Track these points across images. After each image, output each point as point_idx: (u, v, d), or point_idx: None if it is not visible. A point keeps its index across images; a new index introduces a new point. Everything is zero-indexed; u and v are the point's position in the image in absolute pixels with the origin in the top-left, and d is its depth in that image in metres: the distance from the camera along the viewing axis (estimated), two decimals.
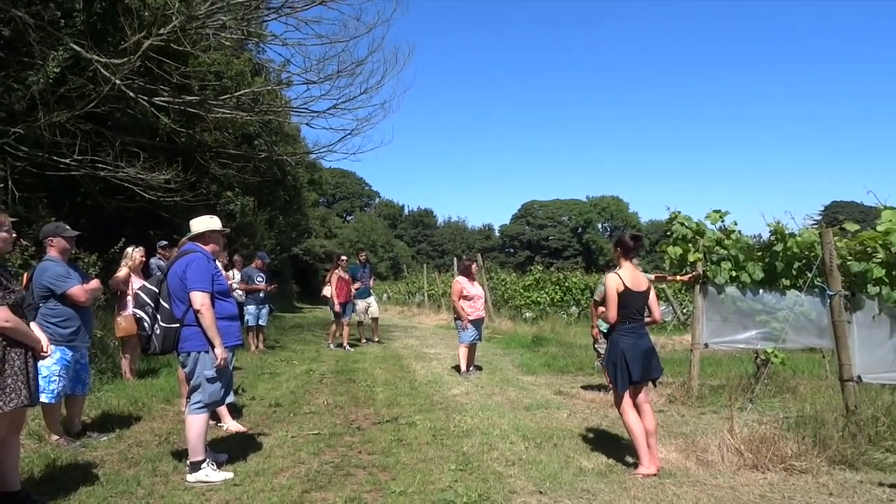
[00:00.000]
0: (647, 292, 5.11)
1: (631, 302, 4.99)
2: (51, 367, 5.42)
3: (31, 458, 4.93)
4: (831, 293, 5.80)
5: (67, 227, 5.71)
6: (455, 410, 7.11)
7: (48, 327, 5.40)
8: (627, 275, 5.01)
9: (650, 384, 5.30)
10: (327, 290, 13.17)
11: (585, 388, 8.61)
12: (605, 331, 5.43)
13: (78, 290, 5.44)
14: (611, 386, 8.18)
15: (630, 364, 4.91)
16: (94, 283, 5.91)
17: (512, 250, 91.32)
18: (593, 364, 9.35)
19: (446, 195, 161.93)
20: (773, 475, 4.82)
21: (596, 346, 8.47)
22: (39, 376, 5.33)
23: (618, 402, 5.06)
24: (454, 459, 5.20)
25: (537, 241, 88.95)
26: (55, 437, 5.47)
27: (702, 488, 4.58)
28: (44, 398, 5.41)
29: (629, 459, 5.21)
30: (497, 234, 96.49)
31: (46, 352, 4.14)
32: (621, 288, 4.96)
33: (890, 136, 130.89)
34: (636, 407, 5.06)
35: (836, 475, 4.85)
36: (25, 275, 5.76)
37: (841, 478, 4.80)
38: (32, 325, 4.10)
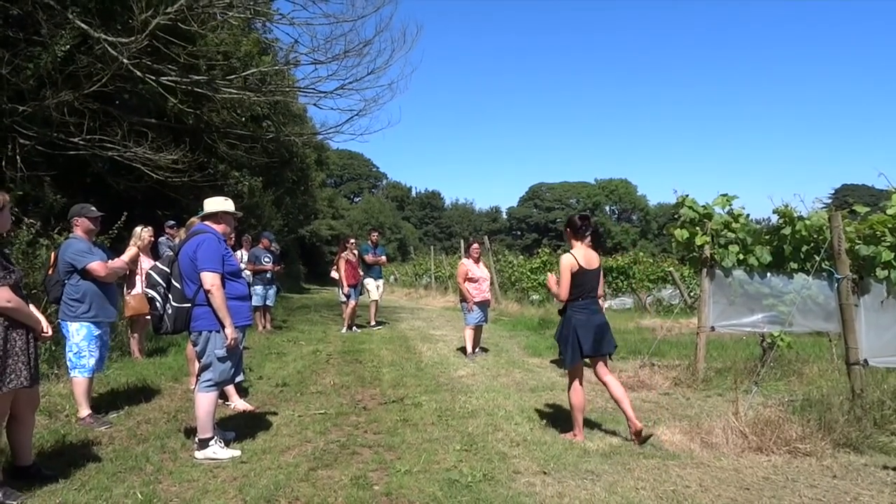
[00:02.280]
0: (598, 270, 5.40)
1: (585, 280, 5.23)
2: (79, 342, 5.50)
3: (42, 434, 4.99)
4: (839, 277, 5.78)
5: (93, 208, 5.81)
6: (460, 391, 7.14)
7: (71, 304, 5.49)
8: (581, 254, 5.24)
9: (607, 358, 5.48)
10: (335, 273, 13.18)
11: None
12: (560, 309, 5.53)
13: (98, 266, 5.51)
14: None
15: (581, 339, 5.15)
16: (118, 262, 5.98)
17: (519, 233, 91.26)
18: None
19: (454, 177, 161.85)
20: (777, 457, 4.83)
21: None
22: (70, 352, 5.45)
23: (571, 375, 5.38)
24: (459, 440, 5.24)
25: (545, 224, 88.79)
26: (85, 412, 5.52)
27: (706, 470, 4.60)
28: (76, 374, 5.52)
29: (632, 442, 5.23)
30: (504, 216, 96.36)
31: (47, 332, 4.17)
32: (576, 267, 5.19)
33: None
34: (602, 381, 5.40)
35: (841, 458, 4.86)
36: (53, 253, 5.83)
37: (845, 460, 4.82)
38: (31, 306, 4.13)
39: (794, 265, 7.17)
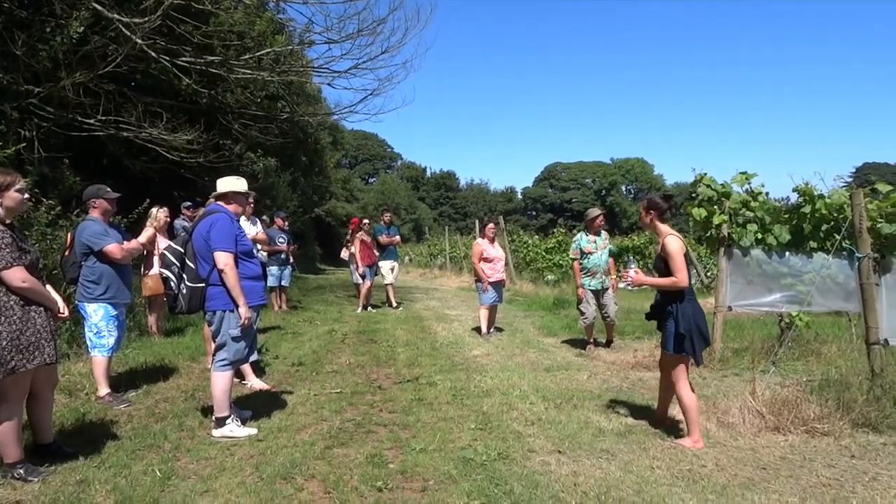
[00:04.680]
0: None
1: (688, 264, 4.70)
2: (98, 323, 5.57)
3: (63, 412, 5.07)
4: (860, 255, 5.69)
5: (108, 189, 5.83)
6: (475, 371, 7.15)
7: (88, 286, 5.55)
8: (679, 235, 4.72)
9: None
10: (345, 253, 13.17)
11: (597, 344, 8.59)
12: (661, 302, 4.86)
13: (114, 248, 5.55)
14: (591, 341, 8.58)
15: (703, 330, 4.66)
16: (133, 243, 6.01)
17: (534, 213, 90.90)
18: (578, 324, 9.29)
19: (469, 157, 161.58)
20: (794, 437, 4.79)
21: (581, 306, 8.60)
22: (89, 332, 5.53)
23: (681, 373, 4.72)
24: (474, 419, 5.25)
25: (560, 204, 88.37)
26: (104, 391, 5.60)
27: (722, 449, 4.57)
28: (95, 353, 5.60)
29: (649, 421, 5.22)
30: (520, 196, 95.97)
31: (63, 313, 4.22)
32: (684, 250, 4.66)
33: None
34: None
35: (859, 437, 4.81)
36: (70, 234, 5.87)
37: (864, 440, 4.77)
38: (48, 287, 4.17)
39: (813, 244, 7.06)
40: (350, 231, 13.48)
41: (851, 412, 5.02)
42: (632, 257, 5.33)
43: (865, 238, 5.71)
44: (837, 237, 6.34)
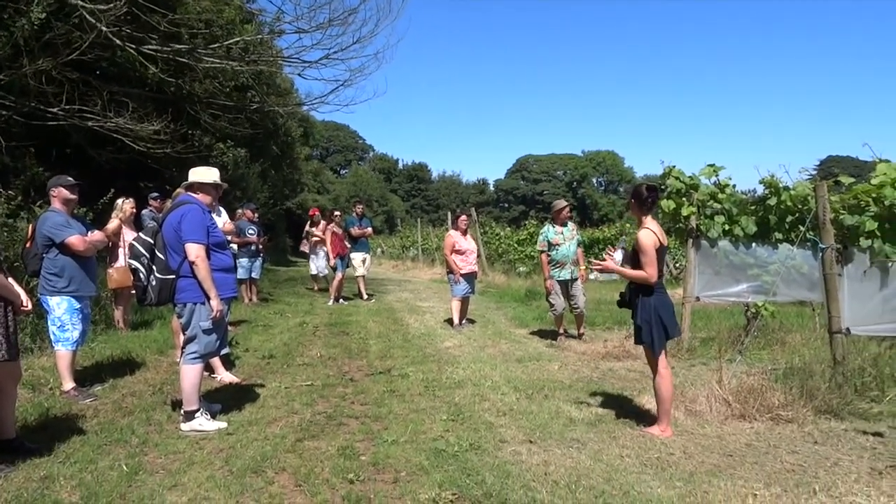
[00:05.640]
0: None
1: (662, 258, 4.72)
2: (61, 316, 5.45)
3: (26, 408, 4.97)
4: (824, 246, 5.80)
5: (69, 178, 5.68)
6: (447, 362, 7.16)
7: (50, 278, 5.42)
8: (657, 229, 4.72)
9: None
10: (305, 246, 13.09)
11: (568, 335, 8.66)
12: (629, 291, 4.89)
13: (76, 240, 5.42)
14: (562, 332, 8.62)
15: (665, 321, 4.66)
16: (97, 235, 5.87)
17: (506, 205, 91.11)
18: (547, 315, 9.38)
19: (441, 149, 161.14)
20: (759, 424, 4.89)
21: (549, 298, 8.63)
22: (53, 326, 5.41)
23: (656, 363, 4.72)
24: (446, 410, 5.26)
25: (532, 196, 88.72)
26: (69, 386, 5.49)
27: (689, 437, 4.65)
28: (59, 347, 5.48)
29: (618, 410, 5.28)
30: (492, 188, 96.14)
31: (26, 306, 4.12)
32: (657, 244, 4.63)
33: (888, 90, 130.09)
34: (658, 371, 4.77)
35: (822, 424, 4.93)
36: (31, 225, 5.72)
37: (826, 427, 4.88)
38: (10, 280, 4.07)
39: (779, 235, 7.19)
40: (309, 222, 13.40)
41: (814, 399, 5.14)
42: (624, 238, 5.25)
43: (829, 229, 5.82)
44: (802, 228, 6.46)
